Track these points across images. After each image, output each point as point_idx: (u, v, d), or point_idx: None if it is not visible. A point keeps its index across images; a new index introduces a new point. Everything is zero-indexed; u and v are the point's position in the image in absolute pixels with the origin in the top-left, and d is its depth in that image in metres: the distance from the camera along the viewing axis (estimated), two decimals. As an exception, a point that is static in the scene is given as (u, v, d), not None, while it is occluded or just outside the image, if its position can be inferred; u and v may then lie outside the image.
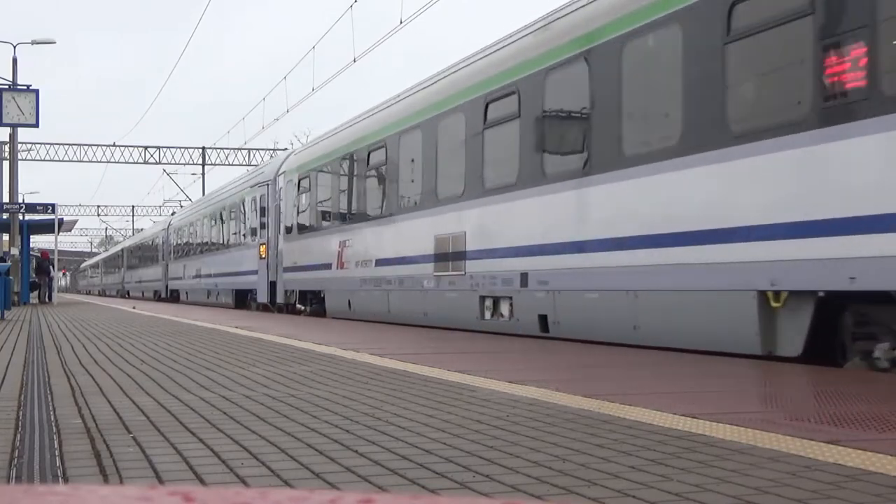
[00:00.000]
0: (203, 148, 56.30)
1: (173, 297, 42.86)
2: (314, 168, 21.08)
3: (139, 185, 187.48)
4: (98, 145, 55.04)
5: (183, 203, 63.09)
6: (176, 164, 56.16)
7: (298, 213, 22.07)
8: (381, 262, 16.96)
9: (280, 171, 24.07)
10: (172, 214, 48.68)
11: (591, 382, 6.32)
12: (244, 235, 27.78)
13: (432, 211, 14.70)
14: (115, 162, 55.19)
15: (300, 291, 22.07)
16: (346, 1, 26.05)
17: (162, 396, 5.77)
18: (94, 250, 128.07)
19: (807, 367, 7.35)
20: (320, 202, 20.74)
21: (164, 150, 55.50)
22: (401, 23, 22.08)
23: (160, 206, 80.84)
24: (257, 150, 55.00)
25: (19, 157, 38.03)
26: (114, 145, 55.37)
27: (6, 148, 36.87)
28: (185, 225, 39.49)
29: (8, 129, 33.50)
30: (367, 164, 17.66)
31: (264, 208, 25.08)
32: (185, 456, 3.76)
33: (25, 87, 30.34)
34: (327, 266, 19.77)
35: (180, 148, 56.00)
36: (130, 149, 55.30)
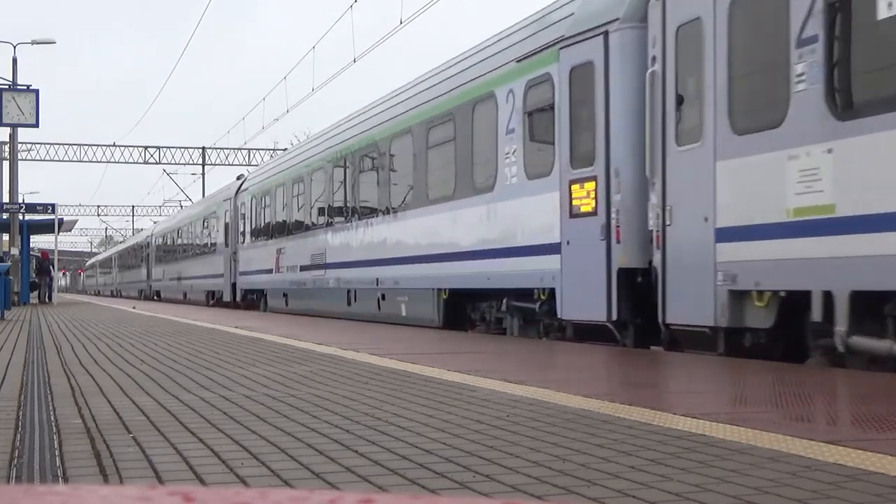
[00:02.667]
0: (203, 148, 56.31)
1: (247, 301, 28.00)
2: None
3: (139, 185, 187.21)
4: (98, 145, 55.09)
5: (184, 203, 62.22)
6: (176, 164, 56.20)
7: None
8: None
9: None
10: (241, 178, 30.95)
11: (591, 382, 6.32)
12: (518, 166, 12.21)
13: None
14: (115, 162, 55.22)
15: None
16: (346, 1, 25.81)
17: (162, 396, 5.77)
18: (95, 250, 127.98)
19: (806, 368, 7.34)
20: None
21: (164, 150, 55.51)
22: (401, 23, 22.06)
23: (160, 206, 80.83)
24: (257, 150, 55.03)
25: (19, 157, 38.03)
26: (114, 145, 55.40)
27: (6, 148, 36.87)
28: (284, 182, 23.46)
29: (8, 129, 33.51)
30: None
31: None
32: (185, 456, 3.76)
33: (25, 87, 30.33)
34: None
35: (180, 148, 56.02)
36: (130, 149, 55.32)
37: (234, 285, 28.71)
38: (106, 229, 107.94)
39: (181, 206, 62.18)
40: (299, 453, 3.82)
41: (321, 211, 20.54)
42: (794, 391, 5.66)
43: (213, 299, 32.33)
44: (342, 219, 19.00)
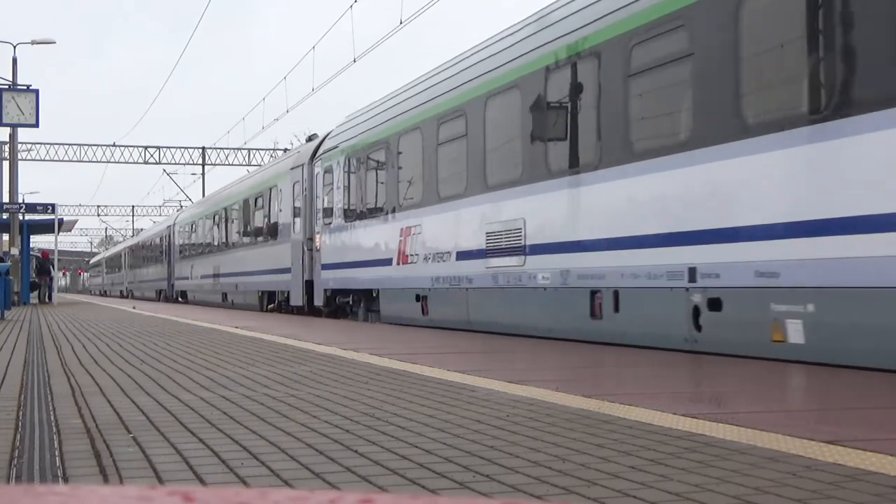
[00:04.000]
0: (203, 148, 56.35)
1: (333, 306, 19.46)
2: None
3: (139, 185, 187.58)
4: (98, 145, 55.11)
5: (184, 203, 61.70)
6: (176, 164, 56.24)
7: None
8: None
9: None
10: (315, 138, 22.48)
11: (591, 382, 6.32)
12: None
13: None
14: (115, 162, 55.26)
15: None
16: (346, 1, 25.72)
17: (162, 396, 5.77)
18: (95, 250, 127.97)
19: (806, 368, 7.34)
20: None
21: (164, 150, 55.55)
22: (401, 23, 22.07)
23: (160, 206, 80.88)
24: (257, 150, 55.08)
25: (19, 157, 38.04)
26: (114, 145, 55.44)
27: (6, 148, 36.90)
28: (419, 125, 15.11)
29: (8, 129, 33.52)
30: None
31: None
32: (185, 456, 3.76)
33: (25, 87, 30.34)
34: None
35: (180, 148, 56.06)
36: (130, 149, 55.36)
37: (308, 283, 20.45)
38: (106, 229, 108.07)
39: (181, 206, 61.94)
40: (299, 453, 3.81)
41: (514, 161, 12.05)
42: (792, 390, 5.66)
43: (273, 303, 23.86)
44: (574, 167, 10.72)
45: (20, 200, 36.23)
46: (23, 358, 8.99)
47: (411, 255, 15.16)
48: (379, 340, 11.01)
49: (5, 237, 36.72)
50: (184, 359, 8.69)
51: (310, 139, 22.50)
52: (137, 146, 55.33)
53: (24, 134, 41.04)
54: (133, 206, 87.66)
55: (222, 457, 3.74)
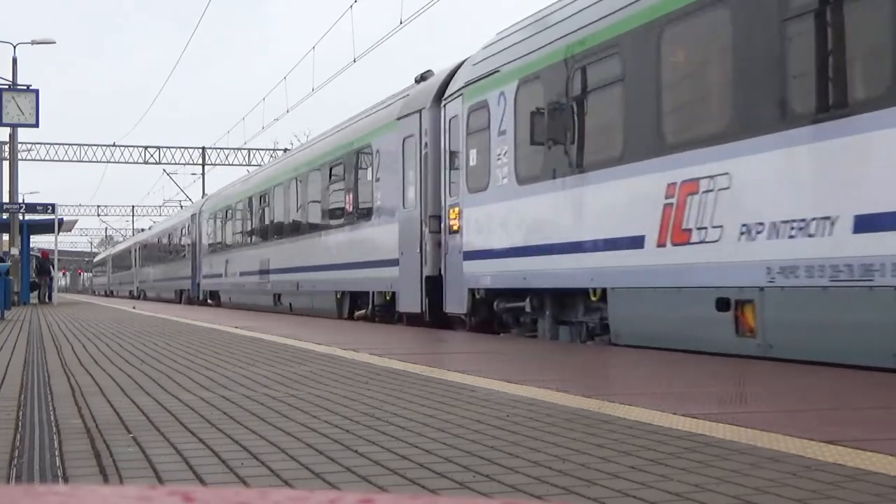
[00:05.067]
0: (203, 148, 56.33)
1: (482, 315, 13.02)
2: None
3: (139, 185, 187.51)
4: (98, 145, 55.07)
5: (184, 203, 61.43)
6: (176, 164, 56.22)
7: None
8: None
9: None
10: (429, 76, 16.23)
11: (591, 382, 6.32)
12: None
13: None
14: (115, 162, 55.22)
15: None
16: (346, 1, 25.72)
17: (162, 396, 5.77)
18: (95, 250, 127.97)
19: (806, 367, 7.34)
20: None
21: (164, 150, 55.51)
22: (401, 23, 22.07)
23: (160, 206, 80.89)
24: (257, 150, 55.07)
25: (19, 157, 38.04)
26: (114, 145, 55.39)
27: (6, 148, 36.91)
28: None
29: (8, 129, 33.52)
30: None
31: None
32: (185, 456, 3.76)
33: (25, 87, 30.34)
34: None
35: (180, 148, 56.02)
36: (130, 149, 55.32)
37: (431, 281, 14.28)
38: (106, 229, 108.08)
39: (181, 206, 61.81)
40: (299, 453, 3.82)
41: None
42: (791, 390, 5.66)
43: (365, 309, 17.48)
44: None
45: (20, 200, 36.23)
46: (23, 358, 8.99)
47: (700, 228, 8.68)
48: (379, 341, 11.00)
49: (5, 237, 36.72)
50: (184, 359, 8.69)
51: (422, 78, 16.38)
52: (137, 146, 55.32)
53: (24, 134, 41.04)
54: (133, 206, 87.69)
55: (222, 457, 3.74)
